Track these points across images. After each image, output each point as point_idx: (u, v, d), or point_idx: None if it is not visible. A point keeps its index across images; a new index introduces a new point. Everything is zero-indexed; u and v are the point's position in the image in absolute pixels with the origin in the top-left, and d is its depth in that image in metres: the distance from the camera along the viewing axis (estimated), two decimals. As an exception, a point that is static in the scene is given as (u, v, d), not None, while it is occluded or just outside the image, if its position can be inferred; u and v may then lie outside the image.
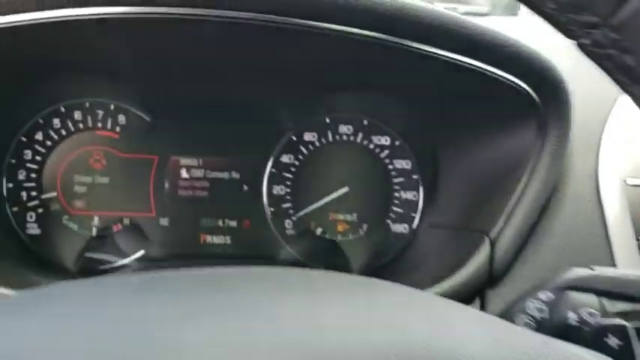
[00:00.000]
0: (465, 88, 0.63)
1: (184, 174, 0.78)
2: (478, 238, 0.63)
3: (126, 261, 0.75)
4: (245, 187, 0.79)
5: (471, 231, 0.65)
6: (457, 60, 0.57)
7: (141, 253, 0.76)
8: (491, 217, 0.63)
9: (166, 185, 0.78)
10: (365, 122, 0.80)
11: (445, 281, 0.62)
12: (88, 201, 0.76)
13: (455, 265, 0.63)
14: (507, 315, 0.55)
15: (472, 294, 0.63)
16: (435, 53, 0.56)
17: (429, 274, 0.66)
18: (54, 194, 0.76)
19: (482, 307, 0.63)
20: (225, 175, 0.79)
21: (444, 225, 0.73)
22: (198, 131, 0.78)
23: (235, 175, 0.79)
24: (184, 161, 0.78)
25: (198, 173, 0.79)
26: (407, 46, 0.56)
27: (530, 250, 0.62)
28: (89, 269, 0.74)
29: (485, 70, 0.58)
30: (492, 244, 0.62)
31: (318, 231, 0.80)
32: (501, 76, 0.58)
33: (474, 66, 0.57)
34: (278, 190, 0.80)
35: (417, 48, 0.56)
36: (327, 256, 0.79)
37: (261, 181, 0.79)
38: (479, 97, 0.64)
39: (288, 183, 0.80)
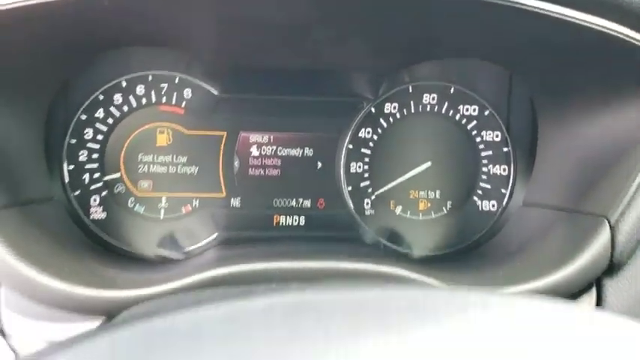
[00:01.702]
0: (578, 50, 0.55)
1: (255, 151, 0.72)
2: (595, 222, 0.57)
3: (198, 245, 0.70)
4: (320, 165, 0.73)
5: (585, 214, 0.59)
6: (574, 17, 0.49)
7: (214, 236, 0.71)
8: (610, 199, 0.57)
9: (236, 164, 0.72)
10: (451, 90, 0.72)
11: (560, 269, 0.55)
12: (154, 182, 0.71)
13: (569, 252, 0.57)
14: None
15: (588, 283, 0.57)
16: (550, 11, 0.49)
17: (533, 261, 0.60)
18: (117, 175, 0.70)
19: (599, 298, 0.58)
20: (298, 151, 0.73)
21: (545, 205, 0.67)
22: (269, 105, 0.71)
23: (309, 151, 0.73)
24: (254, 137, 0.72)
25: (270, 150, 0.73)
26: (520, 4, 0.48)
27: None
28: (159, 255, 0.69)
29: (605, 27, 0.50)
30: (612, 228, 0.56)
31: (398, 210, 0.74)
32: (622, 34, 0.50)
33: (592, 23, 0.50)
34: (355, 167, 0.73)
35: (532, 6, 0.48)
36: (409, 237, 0.74)
37: (338, 158, 0.73)
38: (593, 61, 0.56)
39: (366, 159, 0.73)
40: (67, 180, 0.68)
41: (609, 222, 0.56)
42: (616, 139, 0.59)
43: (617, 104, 0.58)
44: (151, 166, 0.71)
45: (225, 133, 0.71)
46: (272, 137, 0.72)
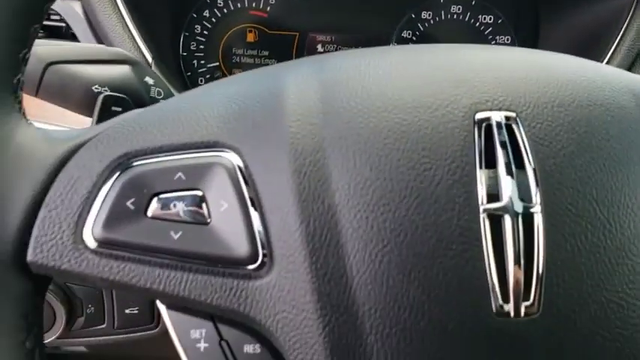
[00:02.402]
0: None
1: (320, 49, 0.94)
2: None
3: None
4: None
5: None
6: None
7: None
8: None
9: (306, 58, 0.94)
10: (473, 3, 0.94)
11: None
12: (243, 70, 0.93)
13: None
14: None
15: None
16: None
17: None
18: (216, 64, 0.93)
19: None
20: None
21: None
22: (332, 9, 0.93)
23: (362, 49, 0.95)
24: (320, 37, 0.94)
25: (332, 48, 0.94)
26: None
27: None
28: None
29: None
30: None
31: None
32: None
33: None
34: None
35: None
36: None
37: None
38: None
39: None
40: (182, 65, 0.91)
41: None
42: (600, 24, 0.79)
43: None
44: (242, 57, 0.93)
45: (297, 34, 0.93)
46: (334, 37, 0.94)
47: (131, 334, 0.65)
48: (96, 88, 0.44)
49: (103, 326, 0.64)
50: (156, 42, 0.78)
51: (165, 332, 0.67)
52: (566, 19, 0.85)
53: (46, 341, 0.65)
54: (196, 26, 0.91)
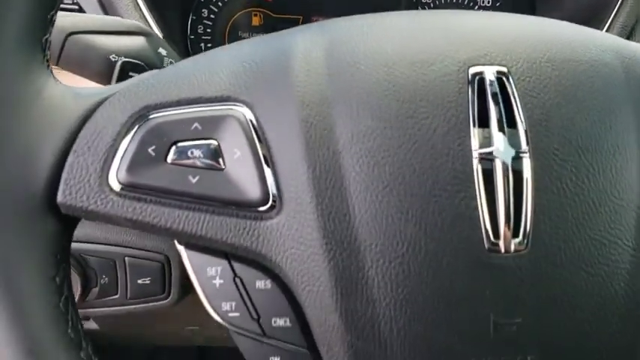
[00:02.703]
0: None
1: (323, 31, 0.97)
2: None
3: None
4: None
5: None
6: None
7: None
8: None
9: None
10: (473, -15, 0.96)
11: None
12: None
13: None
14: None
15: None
16: None
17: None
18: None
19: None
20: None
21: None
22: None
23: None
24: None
25: (335, 30, 0.97)
26: None
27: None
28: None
29: None
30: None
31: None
32: None
33: None
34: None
35: None
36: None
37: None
38: None
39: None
40: (189, 47, 0.94)
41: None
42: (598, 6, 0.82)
43: None
44: (247, 40, 0.96)
45: (301, 17, 0.96)
46: (336, 20, 0.97)
47: (143, 305, 0.67)
48: (113, 57, 0.47)
49: (116, 297, 0.67)
50: (165, 25, 0.80)
51: (176, 302, 0.70)
52: (561, 1, 0.88)
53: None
54: (203, 10, 0.93)
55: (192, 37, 0.93)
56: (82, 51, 0.46)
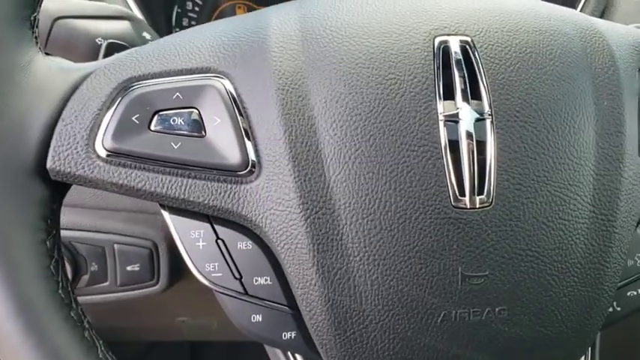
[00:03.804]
0: None
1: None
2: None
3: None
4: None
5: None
6: None
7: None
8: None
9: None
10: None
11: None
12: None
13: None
14: None
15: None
16: None
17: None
18: (208, 39, 0.97)
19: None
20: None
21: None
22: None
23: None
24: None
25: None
26: None
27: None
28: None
29: None
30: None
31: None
32: None
33: None
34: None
35: None
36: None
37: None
38: None
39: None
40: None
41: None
42: None
43: None
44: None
45: (285, 9, 0.98)
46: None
47: (133, 291, 0.69)
48: (99, 41, 0.48)
49: (106, 284, 0.68)
50: (151, 17, 0.82)
51: (165, 289, 0.71)
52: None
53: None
54: (188, 3, 0.95)
55: (177, 29, 0.95)
56: (69, 35, 0.48)
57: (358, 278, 0.35)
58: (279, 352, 0.40)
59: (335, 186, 0.35)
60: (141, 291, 0.69)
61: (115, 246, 0.67)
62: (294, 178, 0.35)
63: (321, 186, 0.35)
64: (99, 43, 0.48)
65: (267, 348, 0.42)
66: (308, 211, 0.35)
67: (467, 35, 0.37)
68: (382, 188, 0.35)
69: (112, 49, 0.47)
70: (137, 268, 0.68)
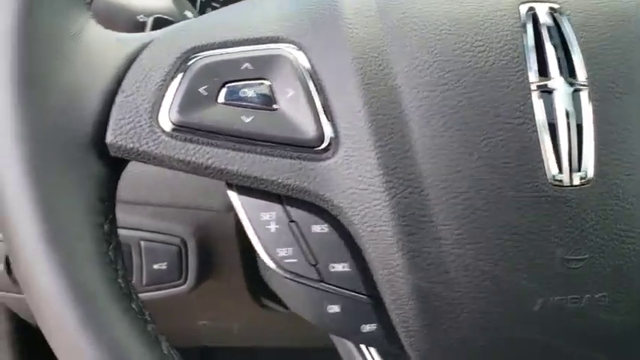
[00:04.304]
0: None
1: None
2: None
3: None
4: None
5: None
6: None
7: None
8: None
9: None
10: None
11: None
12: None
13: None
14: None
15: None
16: None
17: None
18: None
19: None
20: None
21: None
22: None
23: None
24: None
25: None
26: None
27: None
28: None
29: None
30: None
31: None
32: None
33: None
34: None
35: None
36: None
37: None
38: None
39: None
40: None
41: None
42: None
43: None
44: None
45: None
46: None
47: (159, 291, 0.65)
48: (140, 17, 0.45)
49: (132, 283, 0.65)
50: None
51: (192, 289, 0.67)
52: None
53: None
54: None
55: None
56: (110, 13, 0.45)
57: (450, 263, 0.32)
58: (351, 345, 0.37)
59: (422, 162, 0.32)
60: (167, 291, 0.66)
61: (142, 243, 0.63)
62: (377, 153, 0.32)
63: (406, 162, 0.32)
64: (140, 20, 0.45)
65: (337, 342, 0.38)
66: (393, 189, 0.32)
67: (554, 2, 0.35)
68: (474, 164, 0.32)
69: (159, 24, 0.45)
70: (164, 267, 0.65)
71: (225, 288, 0.71)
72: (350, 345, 0.37)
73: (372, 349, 0.37)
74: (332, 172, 0.32)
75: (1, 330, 0.74)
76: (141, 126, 0.32)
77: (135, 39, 0.34)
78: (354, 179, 0.32)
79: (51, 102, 0.30)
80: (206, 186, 0.61)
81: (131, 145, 0.32)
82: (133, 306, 0.32)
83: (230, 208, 0.63)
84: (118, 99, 0.32)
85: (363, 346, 0.36)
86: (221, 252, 0.66)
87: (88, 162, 0.31)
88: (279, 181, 0.32)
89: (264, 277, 0.66)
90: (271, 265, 0.34)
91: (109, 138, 0.32)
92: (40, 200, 0.29)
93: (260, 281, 0.68)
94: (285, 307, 0.76)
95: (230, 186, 0.34)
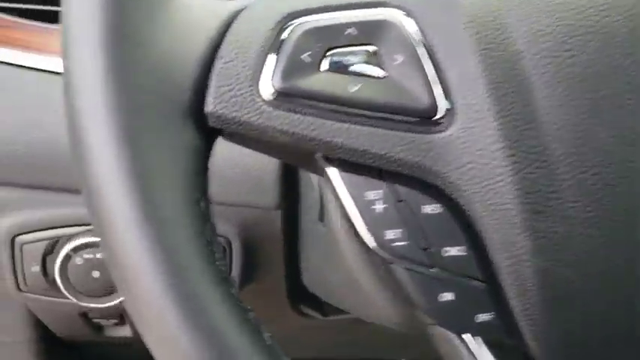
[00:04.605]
0: None
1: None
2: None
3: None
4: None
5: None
6: None
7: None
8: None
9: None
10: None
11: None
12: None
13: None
14: None
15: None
16: None
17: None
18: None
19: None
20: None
21: None
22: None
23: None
24: None
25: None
26: None
27: None
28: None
29: None
30: None
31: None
32: None
33: None
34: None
35: None
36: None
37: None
38: None
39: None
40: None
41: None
42: None
43: None
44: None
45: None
46: None
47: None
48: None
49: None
50: None
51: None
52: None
53: (107, 305, 0.63)
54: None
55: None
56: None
57: (580, 244, 0.29)
58: (454, 338, 0.34)
59: (549, 134, 0.29)
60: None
61: (188, 243, 0.60)
62: (499, 124, 0.29)
63: (531, 134, 0.29)
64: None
65: (440, 335, 0.35)
66: (518, 164, 0.29)
67: None
68: (605, 135, 0.29)
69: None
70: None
71: (264, 292, 0.68)
72: (456, 342, 0.34)
73: (481, 345, 0.33)
74: (448, 145, 0.29)
75: (25, 339, 0.70)
76: (242, 94, 0.29)
77: (227, 4, 0.31)
78: (474, 153, 0.29)
79: (148, 67, 0.27)
80: (254, 182, 0.58)
81: (233, 115, 0.29)
82: (233, 292, 0.28)
83: (278, 205, 0.60)
84: (217, 65, 0.29)
85: (470, 342, 0.33)
86: (265, 253, 0.63)
87: (184, 131, 0.28)
88: (390, 155, 0.29)
89: (305, 280, 0.62)
90: (377, 249, 0.31)
91: (210, 107, 0.28)
92: (139, 176, 0.26)
93: (300, 286, 0.65)
94: (323, 314, 0.73)
95: (329, 162, 0.31)
